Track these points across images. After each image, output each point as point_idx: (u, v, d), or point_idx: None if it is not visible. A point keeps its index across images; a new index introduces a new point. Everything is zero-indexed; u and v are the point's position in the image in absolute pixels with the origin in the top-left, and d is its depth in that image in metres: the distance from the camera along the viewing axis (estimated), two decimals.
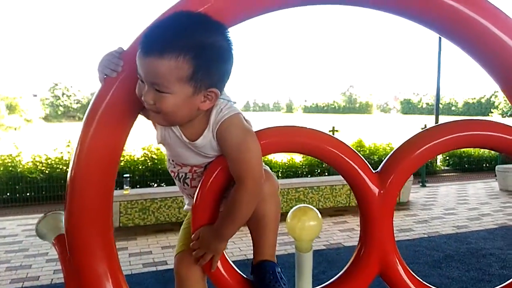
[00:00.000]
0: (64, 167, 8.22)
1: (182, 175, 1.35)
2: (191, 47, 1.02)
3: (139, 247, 4.60)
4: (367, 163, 1.06)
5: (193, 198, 1.29)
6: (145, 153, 8.57)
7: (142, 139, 6.60)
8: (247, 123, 1.21)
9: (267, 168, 1.30)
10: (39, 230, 1.66)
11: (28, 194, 8.18)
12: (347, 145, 1.06)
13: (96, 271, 1.17)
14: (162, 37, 1.03)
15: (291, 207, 1.65)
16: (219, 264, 1.17)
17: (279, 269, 1.28)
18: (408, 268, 1.10)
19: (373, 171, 1.06)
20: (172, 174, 1.39)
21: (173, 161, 1.36)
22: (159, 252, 4.43)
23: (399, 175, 1.04)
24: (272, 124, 1.27)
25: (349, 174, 1.06)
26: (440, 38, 9.44)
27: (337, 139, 1.08)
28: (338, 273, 1.21)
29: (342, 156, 1.05)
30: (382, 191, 1.04)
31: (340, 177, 6.48)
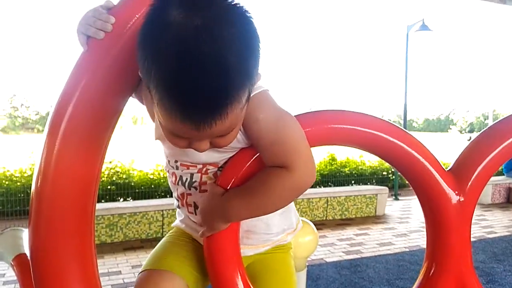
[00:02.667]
0: (25, 180, 7.66)
1: (187, 178, 1.07)
2: (247, 77, 0.74)
3: (106, 267, 4.23)
4: (438, 160, 0.86)
5: (198, 208, 1.05)
6: (109, 167, 8.13)
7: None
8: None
9: None
10: None
11: None
12: (412, 137, 0.86)
13: None
14: (218, 101, 0.71)
15: None
16: None
17: None
18: None
19: (446, 170, 0.85)
20: (172, 179, 1.13)
21: (176, 161, 1.07)
22: (129, 271, 4.09)
23: (481, 176, 0.83)
24: None
25: (416, 173, 0.84)
26: (406, 58, 9.62)
27: (399, 128, 0.87)
28: None
29: (408, 149, 0.83)
30: (460, 196, 0.83)
31: (316, 190, 6.38)
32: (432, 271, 0.87)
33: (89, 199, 0.95)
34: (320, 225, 5.90)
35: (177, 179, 1.08)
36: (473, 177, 0.82)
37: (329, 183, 9.91)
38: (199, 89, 0.68)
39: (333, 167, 10.42)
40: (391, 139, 0.82)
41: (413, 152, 0.82)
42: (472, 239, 4.18)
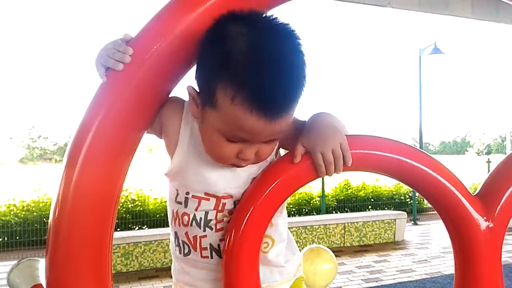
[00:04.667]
0: (40, 211, 7.71)
1: (201, 218, 1.00)
2: (304, 83, 0.86)
3: None
4: (464, 185, 0.82)
5: (214, 251, 1.00)
6: (124, 195, 8.17)
7: None
8: None
9: None
10: (11, 280, 1.41)
11: (0, 239, 7.59)
12: (437, 161, 0.83)
13: None
14: (291, 89, 0.83)
15: None
16: None
17: None
18: None
19: (474, 195, 0.82)
20: (183, 220, 1.02)
21: (187, 193, 1.01)
22: None
23: (510, 200, 0.79)
24: None
25: (442, 199, 0.81)
26: (420, 81, 9.60)
27: (424, 152, 0.85)
28: None
29: (434, 174, 0.81)
30: (489, 222, 0.79)
31: (333, 216, 6.28)
32: None
33: (106, 231, 0.94)
34: (338, 251, 5.77)
35: (190, 219, 1.01)
36: (502, 201, 0.78)
37: (346, 209, 9.76)
38: (277, 84, 0.79)
39: (348, 192, 10.29)
40: (416, 164, 0.80)
41: (438, 177, 0.80)
42: None
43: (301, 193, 9.79)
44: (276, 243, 1.08)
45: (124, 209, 7.96)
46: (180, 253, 1.06)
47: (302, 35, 0.86)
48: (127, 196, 8.11)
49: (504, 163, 0.85)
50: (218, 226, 1.00)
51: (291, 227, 5.91)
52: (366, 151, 0.85)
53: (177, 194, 1.03)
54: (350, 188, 10.37)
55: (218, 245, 1.00)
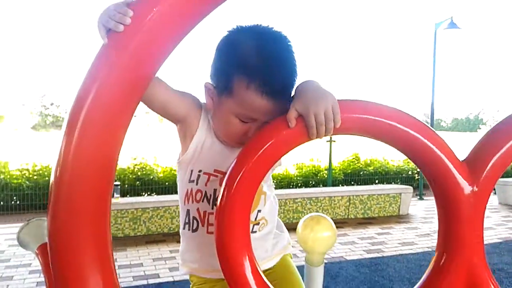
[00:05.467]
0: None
1: (211, 194, 1.20)
2: (297, 74, 1.11)
3: (129, 259, 4.33)
4: (453, 151, 0.84)
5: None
6: (134, 163, 8.30)
7: (130, 149, 6.36)
8: None
9: None
10: (21, 238, 1.48)
11: (12, 202, 7.81)
12: (427, 126, 0.85)
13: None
14: (289, 77, 1.08)
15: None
16: None
17: None
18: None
19: (461, 161, 0.84)
20: (196, 197, 1.21)
21: (199, 171, 1.20)
22: (150, 264, 4.17)
23: (495, 167, 0.81)
24: None
25: (429, 164, 0.84)
26: (434, 56, 9.40)
27: (412, 117, 0.86)
28: None
29: (423, 139, 0.83)
30: (474, 187, 0.81)
31: (338, 188, 6.34)
32: (443, 260, 0.85)
33: (106, 187, 0.98)
34: (342, 223, 5.86)
35: (202, 196, 1.20)
36: (488, 168, 0.80)
37: (352, 182, 9.82)
38: (278, 74, 1.05)
39: (356, 166, 10.32)
40: (405, 128, 0.82)
41: (427, 142, 0.82)
42: (498, 240, 4.07)
43: (308, 166, 9.86)
44: (268, 223, 1.29)
45: (134, 177, 8.12)
46: (189, 229, 1.24)
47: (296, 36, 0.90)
48: (136, 164, 8.26)
49: (493, 130, 0.86)
50: None
51: (297, 198, 6.00)
52: (355, 115, 0.87)
53: (191, 173, 1.21)
54: (358, 162, 10.41)
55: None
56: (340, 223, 5.85)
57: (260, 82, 1.03)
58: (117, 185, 5.49)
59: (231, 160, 1.06)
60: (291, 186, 9.38)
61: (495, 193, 7.84)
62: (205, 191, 1.19)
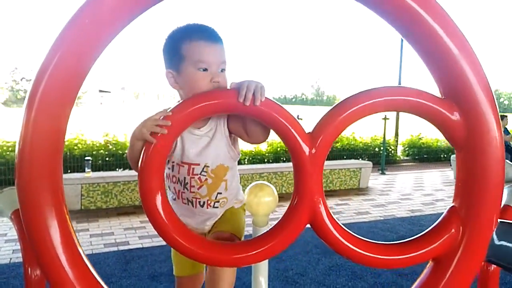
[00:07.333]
0: None
1: (181, 179, 1.50)
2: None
3: (100, 229, 4.58)
4: (301, 125, 1.15)
5: (190, 202, 1.53)
6: (106, 139, 8.45)
7: (101, 127, 6.50)
8: None
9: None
10: None
11: None
12: (284, 109, 1.15)
13: (50, 241, 1.16)
14: (216, 31, 1.39)
15: None
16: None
17: None
18: (336, 219, 1.21)
19: (306, 132, 1.14)
20: (173, 179, 1.53)
21: (173, 162, 1.50)
22: (121, 233, 4.44)
23: (328, 136, 1.13)
24: None
25: (285, 135, 1.14)
26: (401, 51, 9.68)
27: (275, 103, 1.16)
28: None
29: (280, 118, 1.13)
30: (312, 150, 1.13)
31: None
32: (295, 201, 1.17)
33: (58, 155, 1.17)
34: None
35: (176, 179, 1.52)
36: (321, 137, 1.13)
37: None
38: (208, 28, 1.39)
39: None
40: (266, 110, 1.11)
41: (283, 120, 1.13)
42: (445, 210, 4.47)
43: (279, 142, 10.18)
44: (229, 200, 1.58)
45: (106, 152, 8.27)
46: (172, 198, 1.58)
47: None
48: (108, 140, 8.39)
49: (330, 112, 1.15)
50: (191, 188, 1.50)
51: (263, 173, 6.33)
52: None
53: (168, 162, 1.51)
54: None
55: (192, 199, 1.52)
56: None
57: (197, 33, 1.36)
58: (88, 160, 5.67)
59: (195, 152, 1.45)
60: (265, 162, 9.72)
61: (451, 169, 8.38)
62: (178, 177, 1.51)
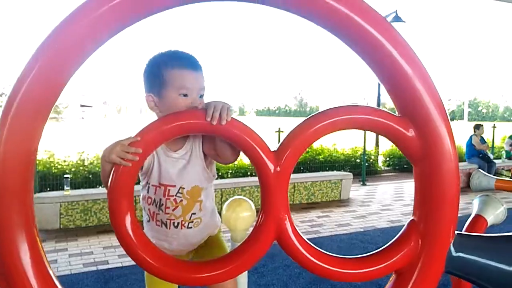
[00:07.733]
0: None
1: (157, 200, 1.54)
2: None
3: (79, 248, 4.52)
4: (266, 143, 1.18)
5: (163, 224, 1.56)
6: (82, 158, 8.34)
7: (82, 142, 6.43)
8: None
9: None
10: None
11: None
12: (250, 128, 1.18)
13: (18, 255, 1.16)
14: (196, 58, 1.46)
15: None
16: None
17: None
18: (301, 235, 1.23)
19: (271, 150, 1.17)
20: (148, 201, 1.56)
21: (148, 183, 1.54)
22: (100, 252, 4.39)
23: (292, 154, 1.16)
24: None
25: (251, 153, 1.17)
26: None
27: (241, 123, 1.19)
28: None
29: (245, 137, 1.16)
30: (277, 168, 1.16)
31: None
32: (262, 218, 1.20)
33: (29, 173, 1.17)
34: None
35: (152, 201, 1.55)
36: (285, 155, 1.15)
37: (304, 170, 10.28)
38: (189, 56, 1.45)
39: (307, 155, 10.78)
40: (232, 130, 1.14)
41: (248, 139, 1.15)
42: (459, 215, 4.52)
43: None
44: (202, 220, 1.60)
45: (86, 170, 8.16)
46: (146, 220, 1.62)
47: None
48: (85, 159, 8.28)
49: (294, 130, 1.18)
50: (166, 209, 1.52)
51: (245, 187, 6.34)
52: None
53: (145, 184, 1.55)
54: (309, 152, 10.87)
55: (166, 220, 1.54)
56: None
57: (180, 60, 1.42)
58: (67, 177, 5.60)
59: (171, 174, 1.49)
60: (248, 175, 9.72)
61: None
62: (154, 198, 1.53)
